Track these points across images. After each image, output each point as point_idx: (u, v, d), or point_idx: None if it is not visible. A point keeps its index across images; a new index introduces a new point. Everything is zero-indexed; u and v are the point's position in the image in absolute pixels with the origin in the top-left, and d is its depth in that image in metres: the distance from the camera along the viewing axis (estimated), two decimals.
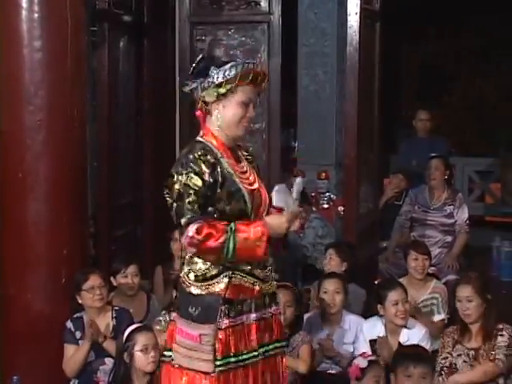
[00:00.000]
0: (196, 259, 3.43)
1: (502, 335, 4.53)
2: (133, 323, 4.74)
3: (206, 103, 3.53)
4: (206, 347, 3.38)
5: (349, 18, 6.16)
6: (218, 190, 3.39)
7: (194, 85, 3.54)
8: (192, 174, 3.38)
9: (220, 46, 6.65)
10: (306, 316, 5.17)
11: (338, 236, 6.71)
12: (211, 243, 3.30)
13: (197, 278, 3.43)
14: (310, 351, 4.76)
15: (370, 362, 4.37)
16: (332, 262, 5.60)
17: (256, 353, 3.48)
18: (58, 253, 4.81)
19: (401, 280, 5.44)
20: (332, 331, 5.07)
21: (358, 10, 6.13)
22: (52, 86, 4.77)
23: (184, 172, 3.39)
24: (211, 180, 3.38)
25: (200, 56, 3.60)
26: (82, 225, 5.05)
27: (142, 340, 4.35)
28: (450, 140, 8.21)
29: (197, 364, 3.40)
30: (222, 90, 3.45)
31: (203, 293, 3.41)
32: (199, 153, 3.42)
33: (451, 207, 6.66)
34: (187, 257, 3.47)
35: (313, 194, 8.03)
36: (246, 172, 3.53)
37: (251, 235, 3.32)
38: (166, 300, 5.37)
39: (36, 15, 4.66)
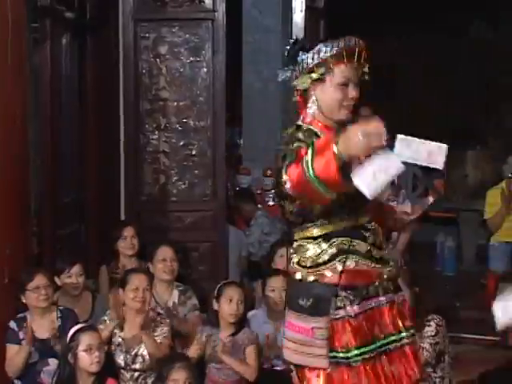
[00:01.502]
0: (307, 245, 3.23)
1: (429, 325, 4.63)
2: (78, 323, 4.70)
3: (303, 91, 3.23)
4: (318, 341, 3.15)
5: (294, 15, 6.21)
6: None
7: (287, 74, 3.25)
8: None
9: (164, 44, 6.64)
10: (251, 313, 5.19)
11: (284, 233, 6.72)
12: (295, 169, 2.88)
13: (308, 264, 3.20)
14: (256, 353, 4.77)
15: None
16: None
17: (388, 340, 3.25)
18: (1, 252, 4.77)
19: None
20: (279, 328, 5.08)
21: (302, 8, 6.18)
22: None
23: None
24: None
25: (292, 40, 3.28)
26: (25, 224, 5.00)
27: (85, 340, 4.31)
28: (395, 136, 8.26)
29: (309, 360, 3.18)
30: (315, 76, 3.16)
31: (314, 281, 3.19)
32: (304, 129, 3.20)
33: (394, 203, 6.70)
34: (295, 245, 3.26)
35: (258, 192, 8.05)
36: None
37: (321, 142, 2.87)
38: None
39: None
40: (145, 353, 4.71)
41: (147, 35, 6.65)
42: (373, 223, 3.34)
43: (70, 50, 6.35)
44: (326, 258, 3.19)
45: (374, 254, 3.26)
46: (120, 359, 4.74)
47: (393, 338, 3.25)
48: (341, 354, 3.17)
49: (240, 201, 7.71)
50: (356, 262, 3.21)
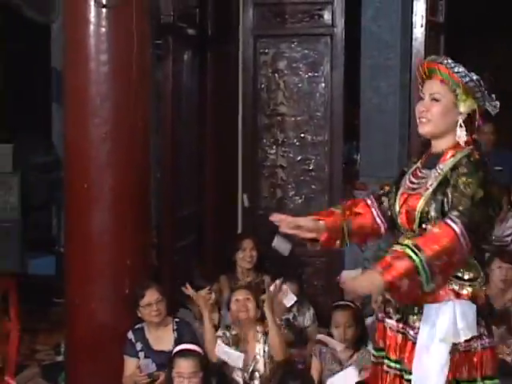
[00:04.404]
0: None
1: None
2: (194, 335, 4.77)
3: None
4: None
5: (414, 30, 6.15)
6: None
7: None
8: None
9: (283, 59, 6.68)
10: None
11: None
12: None
13: None
14: None
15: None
16: None
17: None
18: (122, 263, 4.86)
19: None
20: None
21: (423, 22, 6.11)
22: (117, 98, 4.84)
23: None
24: None
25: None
26: (146, 235, 5.09)
27: (179, 366, 4.35)
28: None
29: None
30: None
31: None
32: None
33: None
34: None
35: None
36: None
37: None
38: None
39: (103, 30, 4.74)
40: (261, 367, 4.72)
41: (266, 51, 6.72)
42: None
43: (191, 66, 6.48)
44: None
45: None
46: (238, 376, 4.75)
47: None
48: None
49: None
50: None
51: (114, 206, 4.88)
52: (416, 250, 3.02)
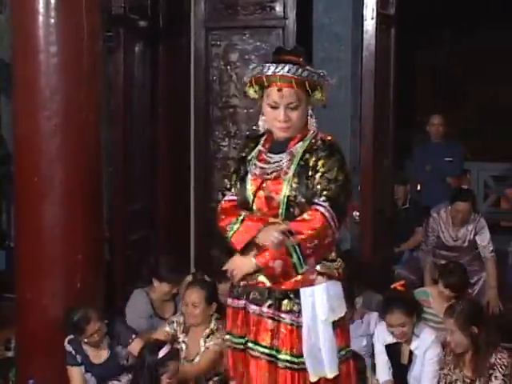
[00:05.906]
0: None
1: (496, 377, 4.36)
2: (127, 330, 4.82)
3: None
4: None
5: (365, 22, 6.16)
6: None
7: None
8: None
9: (235, 51, 6.67)
10: None
11: (354, 241, 6.69)
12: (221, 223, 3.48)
13: None
14: None
15: None
16: None
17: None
18: (73, 257, 4.81)
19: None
20: None
21: (373, 15, 6.13)
22: (67, 90, 4.78)
23: None
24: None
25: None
26: (97, 229, 5.05)
27: (172, 370, 4.41)
28: (465, 145, 8.16)
29: None
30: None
31: None
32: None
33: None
34: None
35: None
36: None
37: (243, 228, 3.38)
38: None
39: (52, 21, 4.67)
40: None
41: (218, 43, 6.70)
42: None
43: (142, 58, 6.44)
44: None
45: None
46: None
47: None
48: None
49: None
50: None
51: (65, 199, 4.82)
52: (288, 235, 3.22)
